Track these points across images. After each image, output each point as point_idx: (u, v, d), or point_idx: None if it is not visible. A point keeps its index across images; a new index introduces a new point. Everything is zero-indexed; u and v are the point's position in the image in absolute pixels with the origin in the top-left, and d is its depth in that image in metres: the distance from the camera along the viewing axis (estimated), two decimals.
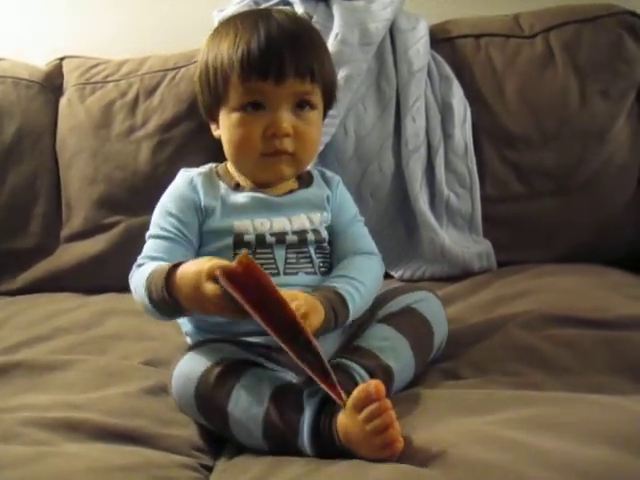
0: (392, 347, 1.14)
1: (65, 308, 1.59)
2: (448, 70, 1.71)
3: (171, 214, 1.21)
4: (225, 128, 1.22)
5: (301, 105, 1.19)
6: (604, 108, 1.67)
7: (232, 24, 1.21)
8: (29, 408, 1.10)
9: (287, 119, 1.17)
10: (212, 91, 1.21)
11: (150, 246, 1.21)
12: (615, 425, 0.95)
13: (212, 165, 1.30)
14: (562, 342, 1.24)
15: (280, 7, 1.65)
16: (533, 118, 1.68)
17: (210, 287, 1.01)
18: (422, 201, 1.65)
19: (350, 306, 1.15)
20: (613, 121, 1.68)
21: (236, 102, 1.18)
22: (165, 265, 1.10)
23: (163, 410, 1.13)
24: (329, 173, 1.34)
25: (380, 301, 1.23)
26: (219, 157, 1.30)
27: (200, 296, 1.02)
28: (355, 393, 0.95)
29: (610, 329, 1.27)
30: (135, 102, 1.77)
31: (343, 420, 0.96)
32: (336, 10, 1.67)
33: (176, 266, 1.07)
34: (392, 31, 1.71)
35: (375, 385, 0.94)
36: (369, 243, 1.32)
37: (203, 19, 1.86)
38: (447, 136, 1.68)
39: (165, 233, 1.20)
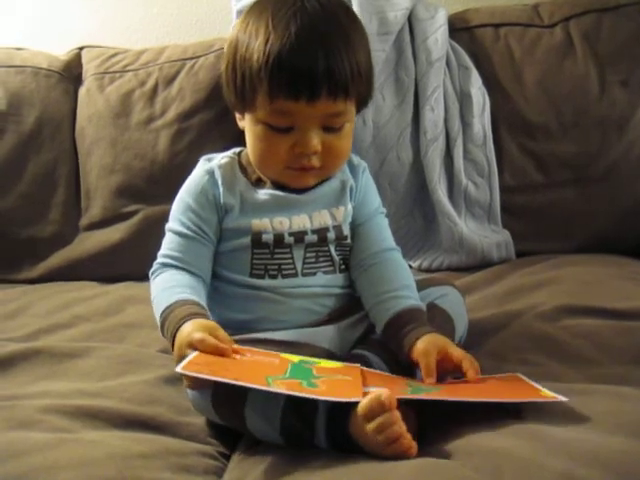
0: None
1: (84, 296, 1.60)
2: (467, 59, 1.71)
3: (191, 209, 1.18)
4: (250, 134, 1.17)
5: (331, 128, 1.13)
6: (624, 97, 1.67)
7: (264, 18, 1.11)
8: (49, 395, 1.11)
9: (316, 137, 1.11)
10: (239, 94, 1.14)
11: (170, 243, 1.19)
12: (635, 416, 0.94)
13: (235, 152, 1.25)
14: (581, 332, 1.23)
15: None
16: (552, 107, 1.68)
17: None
18: (440, 190, 1.65)
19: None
20: (633, 110, 1.67)
21: (263, 116, 1.12)
22: (180, 313, 1.07)
23: (180, 398, 1.13)
24: (355, 159, 1.28)
25: None
26: (238, 146, 1.28)
27: (181, 358, 1.01)
28: (366, 402, 0.93)
29: (629, 319, 1.26)
30: (154, 91, 1.78)
31: (355, 426, 0.94)
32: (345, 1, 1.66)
33: (188, 318, 1.06)
34: (411, 20, 1.71)
35: (387, 396, 0.92)
36: (391, 237, 1.27)
37: (221, 8, 1.87)
38: (466, 125, 1.68)
39: (184, 230, 1.18)
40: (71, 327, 1.42)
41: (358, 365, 1.06)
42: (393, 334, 1.11)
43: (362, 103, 1.19)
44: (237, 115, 1.22)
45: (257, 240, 1.16)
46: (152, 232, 1.67)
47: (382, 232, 1.26)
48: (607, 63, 1.67)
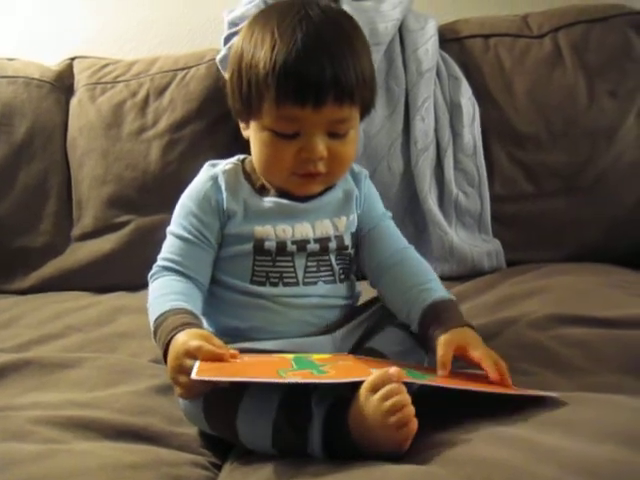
0: (405, 352, 1.13)
1: (76, 306, 1.60)
2: (457, 70, 1.72)
3: (193, 214, 1.18)
4: (255, 141, 1.17)
5: (336, 134, 1.14)
6: (612, 107, 1.68)
7: (269, 27, 1.12)
8: (40, 406, 1.11)
9: (322, 142, 1.12)
10: (244, 101, 1.14)
11: (171, 246, 1.19)
12: (625, 424, 0.94)
13: (239, 158, 1.25)
14: (572, 341, 1.24)
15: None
16: (542, 117, 1.69)
17: (188, 363, 1.00)
18: (431, 200, 1.65)
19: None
20: (622, 120, 1.68)
21: (269, 123, 1.12)
22: (173, 322, 1.07)
23: (172, 408, 1.13)
24: (356, 167, 1.29)
25: None
26: (230, 156, 1.28)
27: (177, 367, 1.02)
28: (374, 374, 0.95)
29: (620, 328, 1.27)
30: (145, 102, 1.78)
31: (357, 405, 0.95)
32: (345, 10, 1.67)
33: (181, 327, 1.06)
34: (401, 31, 1.72)
35: (395, 370, 0.94)
36: (402, 237, 1.28)
37: (214, 18, 1.88)
38: (456, 135, 1.68)
39: (185, 234, 1.17)
40: (62, 337, 1.42)
41: (346, 353, 1.08)
42: (427, 327, 1.12)
43: (366, 110, 1.20)
44: (241, 124, 1.22)
45: (259, 247, 1.16)
46: (144, 242, 1.68)
47: (394, 233, 1.28)
48: (596, 73, 1.68)
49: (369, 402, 0.94)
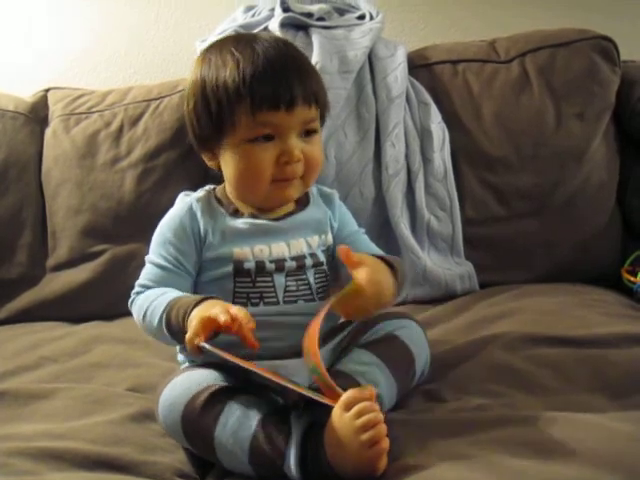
0: (371, 372, 1.14)
1: (51, 337, 1.59)
2: (426, 96, 1.74)
3: (170, 242, 1.21)
4: (232, 159, 1.21)
5: (307, 133, 1.21)
6: (580, 130, 1.70)
7: (226, 51, 1.19)
8: (14, 438, 1.11)
9: (297, 145, 1.19)
10: (215, 123, 1.20)
11: (148, 274, 1.22)
12: (593, 444, 0.95)
13: (210, 188, 1.30)
14: (543, 362, 1.25)
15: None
16: (510, 141, 1.70)
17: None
18: (403, 225, 1.66)
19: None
20: (589, 142, 1.71)
21: (246, 134, 1.18)
22: (191, 298, 1.12)
23: (147, 436, 1.13)
24: (326, 189, 1.36)
25: (362, 327, 1.23)
26: (203, 184, 1.33)
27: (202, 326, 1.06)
28: (348, 392, 0.98)
29: (589, 347, 1.28)
30: (119, 132, 1.79)
31: (331, 423, 0.98)
32: (315, 38, 1.69)
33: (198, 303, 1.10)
34: (371, 58, 1.73)
35: (369, 388, 0.98)
36: (378, 250, 1.32)
37: (187, 48, 1.89)
38: (426, 160, 1.70)
39: (164, 262, 1.21)
40: (37, 368, 1.41)
41: None
42: None
43: (322, 117, 1.27)
44: (207, 155, 1.27)
45: (239, 268, 1.20)
46: (119, 271, 1.69)
47: (370, 245, 1.33)
48: (562, 97, 1.70)
49: (342, 419, 0.96)
